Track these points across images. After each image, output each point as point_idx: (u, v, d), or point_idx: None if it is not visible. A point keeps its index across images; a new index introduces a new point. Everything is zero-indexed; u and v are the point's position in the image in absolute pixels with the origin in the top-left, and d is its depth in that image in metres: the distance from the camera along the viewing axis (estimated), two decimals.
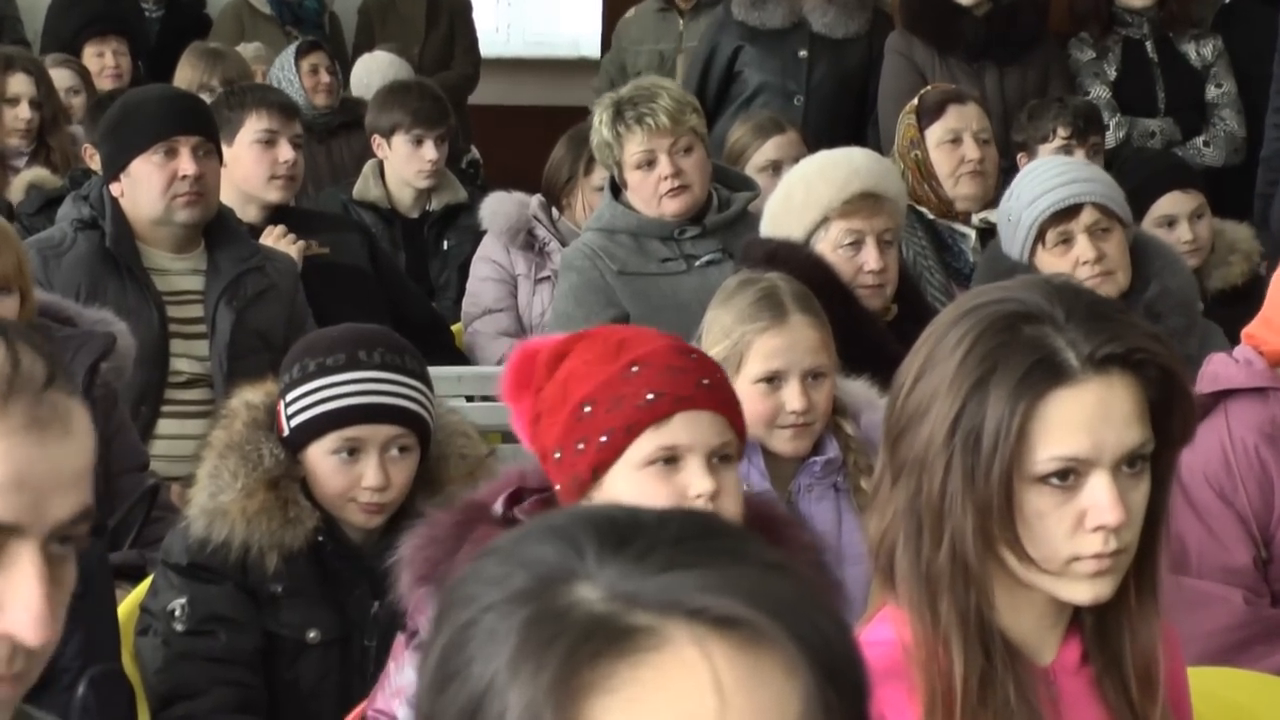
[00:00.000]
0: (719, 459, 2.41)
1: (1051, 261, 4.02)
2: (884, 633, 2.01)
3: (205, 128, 4.39)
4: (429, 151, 5.51)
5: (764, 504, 2.57)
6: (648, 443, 2.38)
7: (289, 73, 6.46)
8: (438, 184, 5.59)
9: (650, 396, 2.38)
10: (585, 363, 2.40)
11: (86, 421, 1.50)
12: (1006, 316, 1.95)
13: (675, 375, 2.40)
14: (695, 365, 2.43)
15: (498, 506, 2.36)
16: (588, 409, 2.38)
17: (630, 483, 2.36)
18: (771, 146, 5.22)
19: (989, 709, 1.97)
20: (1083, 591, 1.97)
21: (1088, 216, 4.01)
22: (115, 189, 4.29)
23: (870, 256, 3.86)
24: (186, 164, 4.25)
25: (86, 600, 2.81)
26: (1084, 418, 1.93)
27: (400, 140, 5.52)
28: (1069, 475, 1.93)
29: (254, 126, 4.83)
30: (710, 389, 2.41)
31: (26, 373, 1.44)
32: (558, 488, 2.37)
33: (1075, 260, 4.01)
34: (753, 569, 1.09)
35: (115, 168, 4.31)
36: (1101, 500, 1.92)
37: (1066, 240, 4.03)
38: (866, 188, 3.90)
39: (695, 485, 2.38)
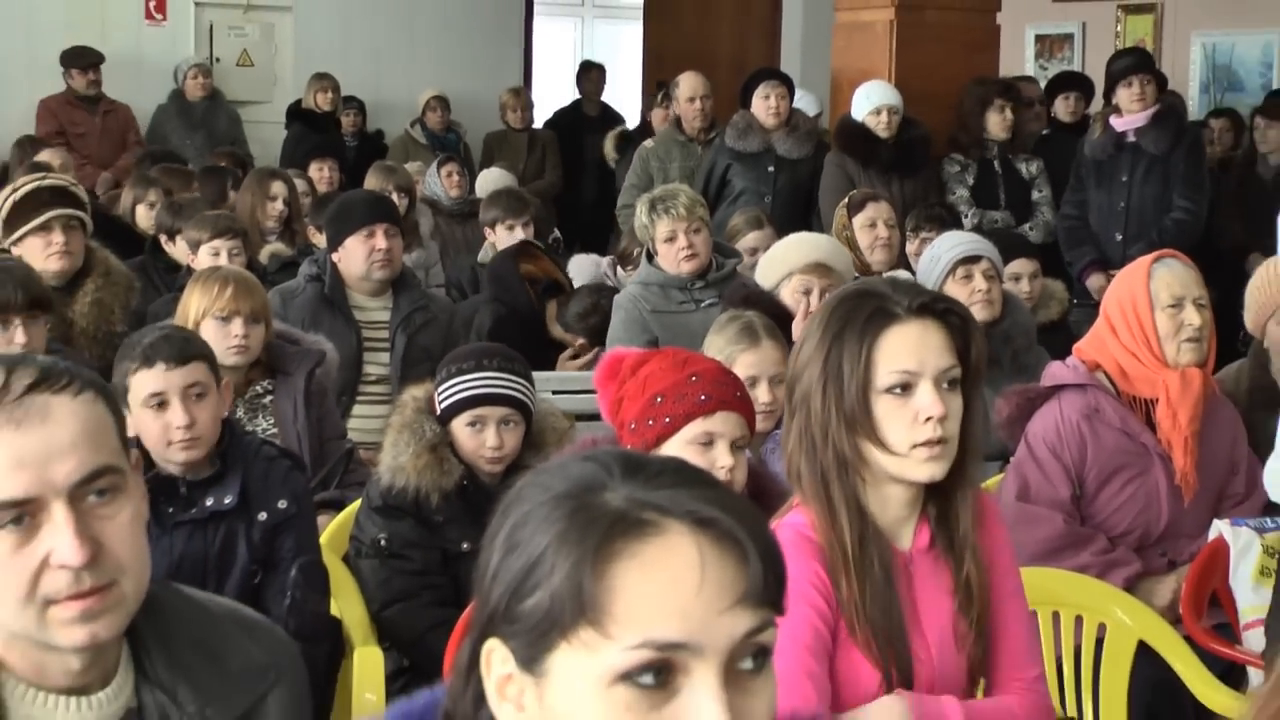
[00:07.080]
0: (736, 446, 2.66)
1: (955, 289, 4.43)
2: (796, 519, 2.20)
3: (394, 218, 4.94)
4: (518, 233, 6.37)
5: (755, 467, 2.82)
6: (696, 427, 2.63)
7: (433, 176, 7.97)
8: None
9: (703, 397, 2.61)
10: (660, 369, 2.64)
11: (69, 408, 1.59)
12: (854, 293, 2.17)
13: (721, 386, 2.65)
14: (733, 381, 2.72)
15: None
16: (659, 400, 2.61)
17: (679, 452, 2.58)
18: (754, 236, 5.83)
19: (866, 570, 2.11)
20: (922, 471, 2.11)
21: (985, 265, 4.55)
22: (335, 257, 4.85)
23: (816, 302, 4.32)
24: (381, 241, 4.79)
25: (298, 516, 3.25)
26: (911, 344, 2.09)
27: (500, 228, 6.49)
28: (905, 387, 2.10)
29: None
30: (741, 399, 2.70)
31: (8, 387, 1.59)
32: (628, 448, 2.56)
33: (973, 289, 4.47)
34: (722, 493, 1.26)
35: (335, 243, 4.87)
36: (926, 399, 2.08)
37: (968, 277, 4.51)
38: (819, 259, 4.47)
39: (721, 460, 2.63)
